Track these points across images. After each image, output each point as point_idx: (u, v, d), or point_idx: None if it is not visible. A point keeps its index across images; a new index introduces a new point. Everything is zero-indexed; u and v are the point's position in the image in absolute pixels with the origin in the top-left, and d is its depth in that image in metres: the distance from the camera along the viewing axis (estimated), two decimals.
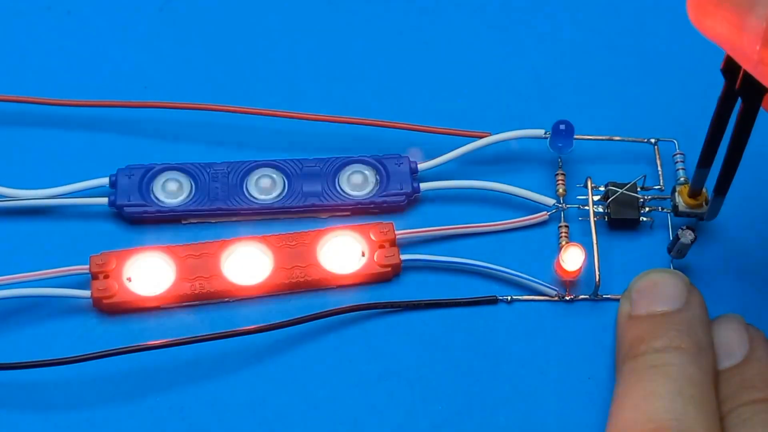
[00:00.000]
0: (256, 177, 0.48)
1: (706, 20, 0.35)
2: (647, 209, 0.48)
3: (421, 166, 0.48)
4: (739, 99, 0.39)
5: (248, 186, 0.48)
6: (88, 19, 0.53)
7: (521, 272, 0.46)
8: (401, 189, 0.48)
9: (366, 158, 0.48)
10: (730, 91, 0.40)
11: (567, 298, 0.46)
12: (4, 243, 0.47)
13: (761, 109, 0.40)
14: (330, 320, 0.45)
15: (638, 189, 0.48)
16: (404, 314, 0.46)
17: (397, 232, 0.47)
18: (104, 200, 0.47)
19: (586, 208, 0.47)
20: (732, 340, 0.43)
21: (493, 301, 0.46)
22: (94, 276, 0.45)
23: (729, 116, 0.41)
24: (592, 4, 0.54)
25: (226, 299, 0.46)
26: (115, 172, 0.47)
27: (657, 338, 0.42)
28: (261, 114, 0.48)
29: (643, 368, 0.41)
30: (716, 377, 0.42)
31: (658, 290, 0.44)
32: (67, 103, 0.49)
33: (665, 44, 0.53)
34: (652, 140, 0.49)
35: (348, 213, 0.48)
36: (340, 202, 0.48)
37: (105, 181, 0.47)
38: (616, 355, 0.44)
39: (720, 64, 0.39)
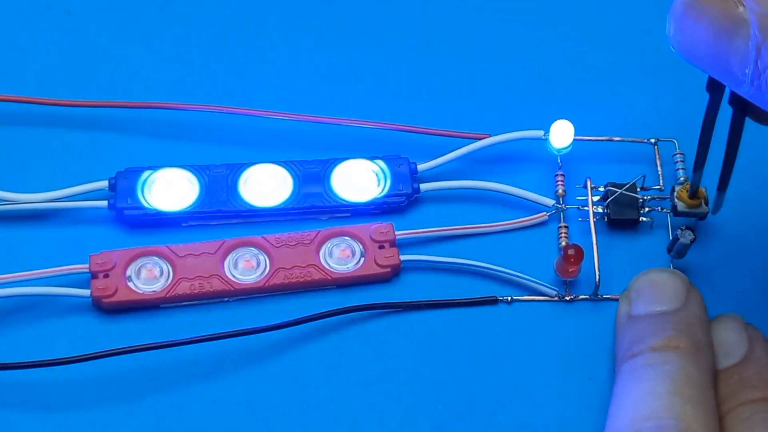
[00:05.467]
0: (255, 179, 0.48)
1: (692, 47, 0.36)
2: (647, 209, 0.48)
3: (421, 167, 0.48)
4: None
5: (248, 188, 0.48)
6: (88, 19, 0.53)
7: (521, 272, 0.46)
8: (401, 190, 0.48)
9: (366, 159, 0.48)
10: (714, 106, 0.41)
11: (567, 298, 0.46)
12: (4, 246, 0.47)
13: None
14: (330, 320, 0.45)
15: (638, 189, 0.48)
16: (404, 314, 0.46)
17: (396, 233, 0.47)
18: (104, 203, 0.47)
19: (586, 208, 0.47)
20: (731, 340, 0.43)
21: (493, 301, 0.46)
22: (94, 275, 0.45)
23: (714, 125, 0.42)
24: (592, 5, 0.54)
25: (226, 299, 0.46)
26: (114, 175, 0.47)
27: (655, 338, 0.42)
28: (261, 114, 0.49)
29: (642, 367, 0.41)
30: (715, 377, 0.42)
31: (657, 290, 0.44)
32: (67, 103, 0.49)
33: (665, 44, 0.52)
34: (652, 140, 0.49)
35: (348, 215, 0.48)
36: (340, 203, 0.48)
37: (104, 184, 0.47)
38: (615, 355, 0.44)
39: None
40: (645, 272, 0.45)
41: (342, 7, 0.54)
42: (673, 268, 0.46)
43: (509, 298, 0.46)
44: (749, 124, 0.51)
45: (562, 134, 0.47)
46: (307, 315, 0.44)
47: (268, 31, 0.53)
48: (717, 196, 0.44)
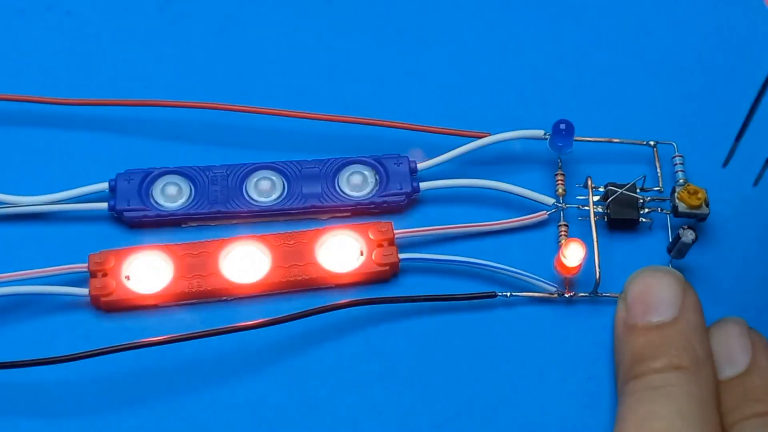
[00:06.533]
0: (255, 179, 0.48)
1: None
2: (647, 210, 0.48)
3: (421, 165, 0.48)
4: None
5: (247, 188, 0.48)
6: (88, 19, 0.53)
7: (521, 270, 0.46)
8: (401, 189, 0.48)
9: (365, 158, 0.48)
10: None
11: (567, 295, 0.46)
12: (4, 248, 0.47)
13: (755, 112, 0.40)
14: (329, 320, 0.45)
15: (638, 190, 0.48)
16: (404, 314, 0.46)
17: (395, 232, 0.46)
18: (104, 205, 0.47)
19: (586, 208, 0.47)
20: (734, 348, 0.43)
21: (491, 295, 0.45)
22: (93, 274, 0.45)
23: None
24: (592, 4, 0.54)
25: (224, 298, 0.46)
26: (114, 176, 0.47)
27: (656, 358, 0.42)
28: (260, 112, 0.48)
29: (644, 390, 0.41)
30: (718, 388, 0.42)
31: (653, 296, 0.43)
32: (67, 103, 0.49)
33: (665, 45, 0.53)
34: (652, 142, 0.49)
35: (348, 214, 0.48)
36: (339, 203, 0.48)
37: (104, 185, 0.47)
38: (617, 370, 0.44)
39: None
40: (640, 273, 0.44)
41: (341, 6, 0.54)
42: (673, 268, 0.46)
43: (509, 294, 0.46)
44: (748, 125, 0.51)
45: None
46: (307, 309, 0.44)
47: (268, 30, 0.53)
48: (733, 146, 0.43)
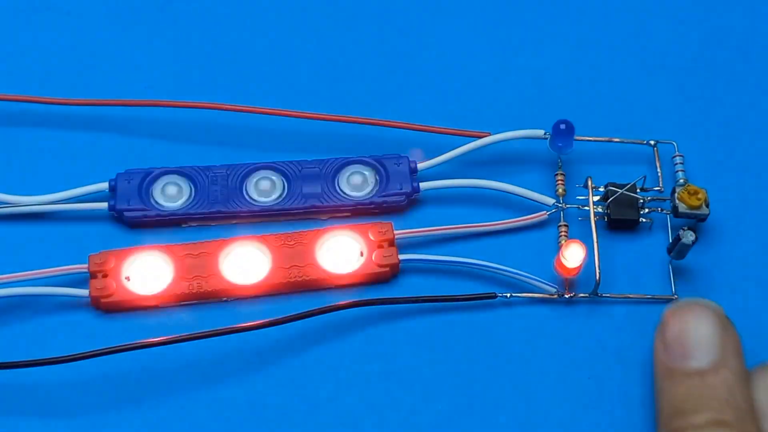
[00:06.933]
0: (255, 179, 0.48)
1: None
2: (647, 210, 0.47)
3: (421, 165, 0.48)
4: None
5: (248, 188, 0.48)
6: (88, 19, 0.53)
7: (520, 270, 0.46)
8: (401, 189, 0.48)
9: (365, 158, 0.48)
10: None
11: (566, 296, 0.46)
12: (4, 248, 0.47)
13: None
14: (330, 321, 0.45)
15: (638, 190, 0.48)
16: (404, 315, 0.46)
17: (396, 232, 0.46)
18: (104, 205, 0.47)
19: (586, 208, 0.47)
20: None
21: (491, 296, 0.45)
22: (93, 275, 0.45)
23: None
24: (592, 4, 0.54)
25: (224, 299, 0.46)
26: (114, 176, 0.47)
27: (698, 412, 0.40)
28: (260, 112, 0.48)
29: None
30: None
31: (693, 338, 0.41)
32: (67, 102, 0.49)
33: (665, 45, 0.53)
34: (652, 142, 0.49)
35: (348, 214, 0.48)
36: (340, 203, 0.48)
37: (105, 185, 0.47)
38: (656, 415, 0.42)
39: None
40: (678, 307, 0.42)
41: (341, 6, 0.54)
42: (673, 268, 0.46)
43: (508, 295, 0.46)
44: (748, 125, 0.51)
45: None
46: (308, 311, 0.44)
47: (268, 30, 0.53)
48: None
